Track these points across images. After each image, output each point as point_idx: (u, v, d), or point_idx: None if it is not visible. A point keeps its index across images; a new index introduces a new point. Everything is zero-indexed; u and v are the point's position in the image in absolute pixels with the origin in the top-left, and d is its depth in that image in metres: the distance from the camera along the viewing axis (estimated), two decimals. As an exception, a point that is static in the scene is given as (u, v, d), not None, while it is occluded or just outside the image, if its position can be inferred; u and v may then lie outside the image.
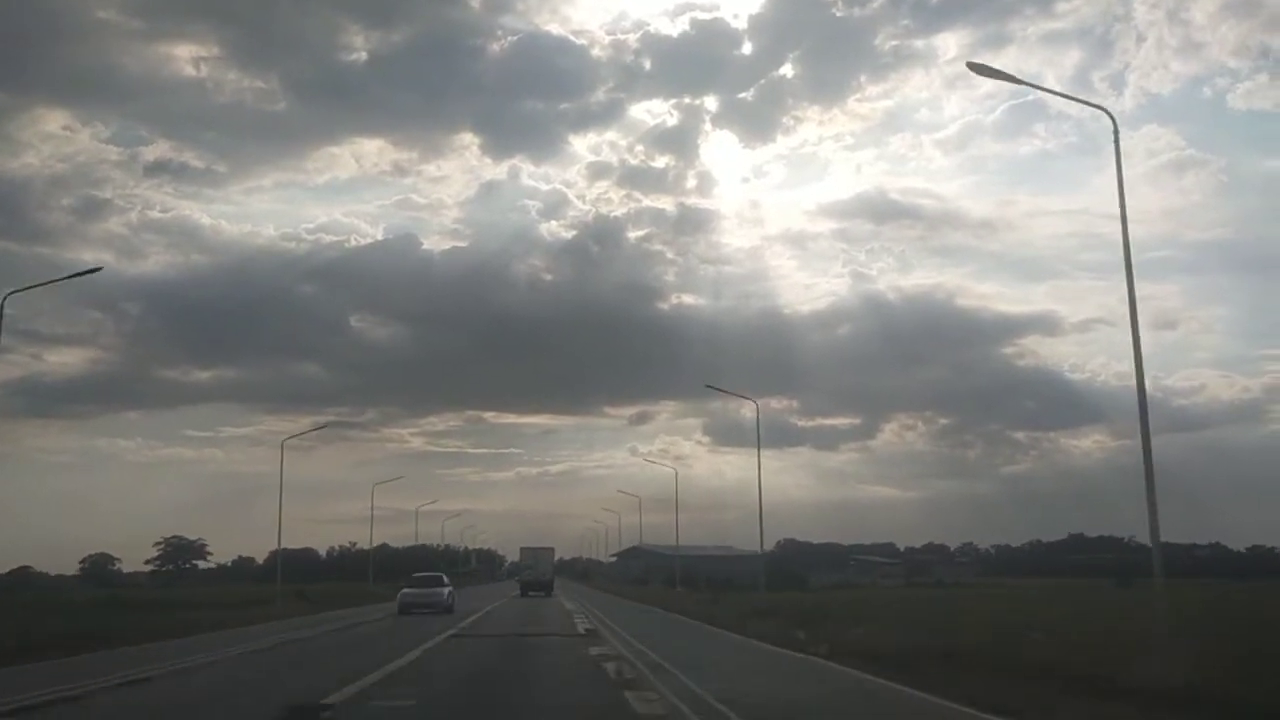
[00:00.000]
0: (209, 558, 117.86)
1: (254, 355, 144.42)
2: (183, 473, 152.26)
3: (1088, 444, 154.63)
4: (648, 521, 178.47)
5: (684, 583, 67.16)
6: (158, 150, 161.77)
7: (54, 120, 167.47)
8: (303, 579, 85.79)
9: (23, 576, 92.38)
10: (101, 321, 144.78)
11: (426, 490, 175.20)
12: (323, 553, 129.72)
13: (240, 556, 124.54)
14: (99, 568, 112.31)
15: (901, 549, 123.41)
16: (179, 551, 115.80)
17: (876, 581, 63.01)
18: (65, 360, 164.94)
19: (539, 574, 69.40)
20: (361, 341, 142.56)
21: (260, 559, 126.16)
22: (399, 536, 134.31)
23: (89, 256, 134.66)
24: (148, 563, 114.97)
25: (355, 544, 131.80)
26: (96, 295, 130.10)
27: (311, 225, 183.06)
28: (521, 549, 75.83)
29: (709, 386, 52.78)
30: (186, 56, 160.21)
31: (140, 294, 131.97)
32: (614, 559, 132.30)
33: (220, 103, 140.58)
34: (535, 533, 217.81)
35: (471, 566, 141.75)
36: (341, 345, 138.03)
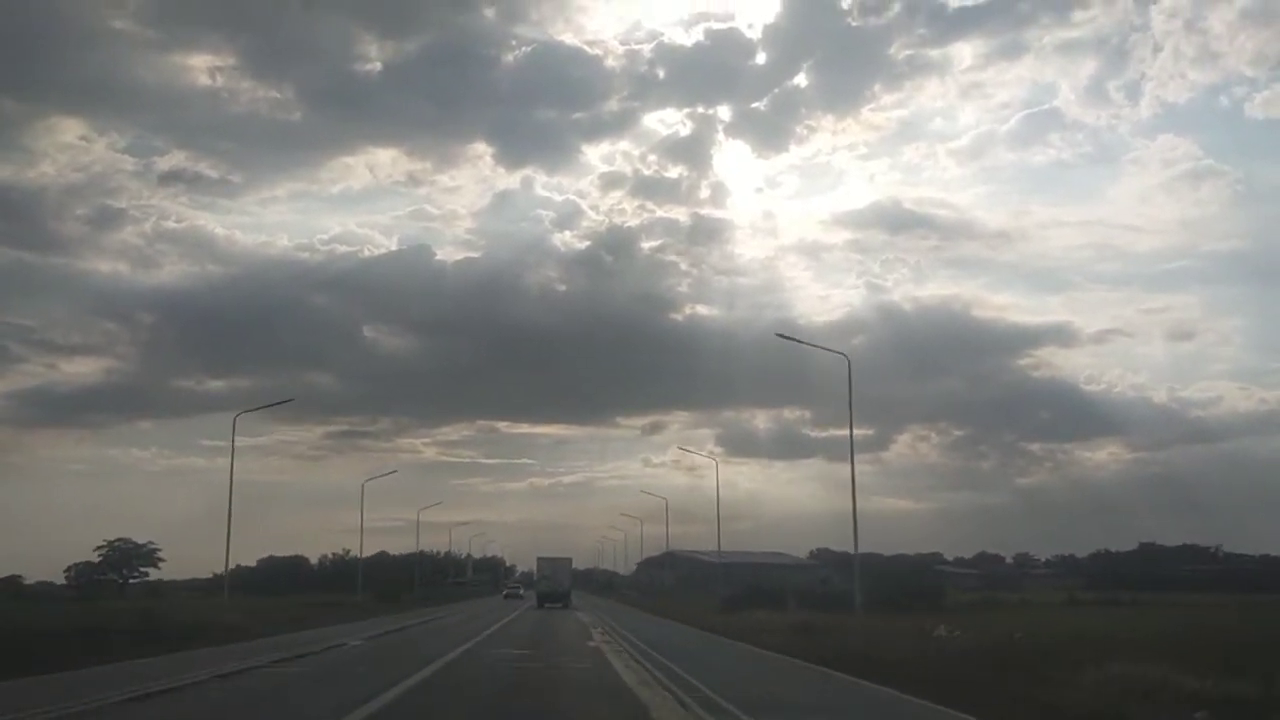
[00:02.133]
0: (160, 565, 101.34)
1: (267, 365, 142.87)
2: (198, 481, 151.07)
3: (1103, 456, 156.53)
4: (654, 533, 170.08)
5: (755, 599, 50.29)
6: (173, 160, 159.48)
7: (70, 130, 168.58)
8: (286, 590, 77.50)
9: (13, 586, 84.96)
10: (116, 331, 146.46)
11: (441, 500, 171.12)
12: (314, 560, 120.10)
13: (239, 565, 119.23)
14: (84, 576, 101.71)
15: (950, 559, 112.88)
16: (123, 557, 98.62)
17: (1026, 596, 49.08)
18: (80, 370, 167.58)
19: (556, 584, 66.80)
20: (375, 351, 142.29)
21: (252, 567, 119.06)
22: (404, 546, 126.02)
23: (104, 266, 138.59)
24: (81, 569, 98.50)
25: (349, 551, 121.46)
26: (111, 305, 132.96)
27: (325, 236, 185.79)
28: (538, 559, 72.52)
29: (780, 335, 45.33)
30: (202, 67, 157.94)
31: (154, 304, 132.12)
32: (638, 566, 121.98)
33: (235, 113, 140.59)
34: (548, 544, 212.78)
35: (466, 578, 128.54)
36: (355, 355, 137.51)
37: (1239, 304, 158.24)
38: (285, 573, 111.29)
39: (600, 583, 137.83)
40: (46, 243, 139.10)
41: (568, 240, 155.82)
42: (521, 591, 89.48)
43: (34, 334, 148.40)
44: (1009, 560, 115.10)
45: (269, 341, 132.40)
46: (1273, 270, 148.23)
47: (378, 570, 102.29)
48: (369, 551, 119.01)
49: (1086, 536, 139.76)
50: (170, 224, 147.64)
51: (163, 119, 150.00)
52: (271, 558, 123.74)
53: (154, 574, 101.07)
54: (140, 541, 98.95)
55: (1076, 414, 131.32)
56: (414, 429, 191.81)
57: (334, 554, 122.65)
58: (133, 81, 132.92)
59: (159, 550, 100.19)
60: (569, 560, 74.43)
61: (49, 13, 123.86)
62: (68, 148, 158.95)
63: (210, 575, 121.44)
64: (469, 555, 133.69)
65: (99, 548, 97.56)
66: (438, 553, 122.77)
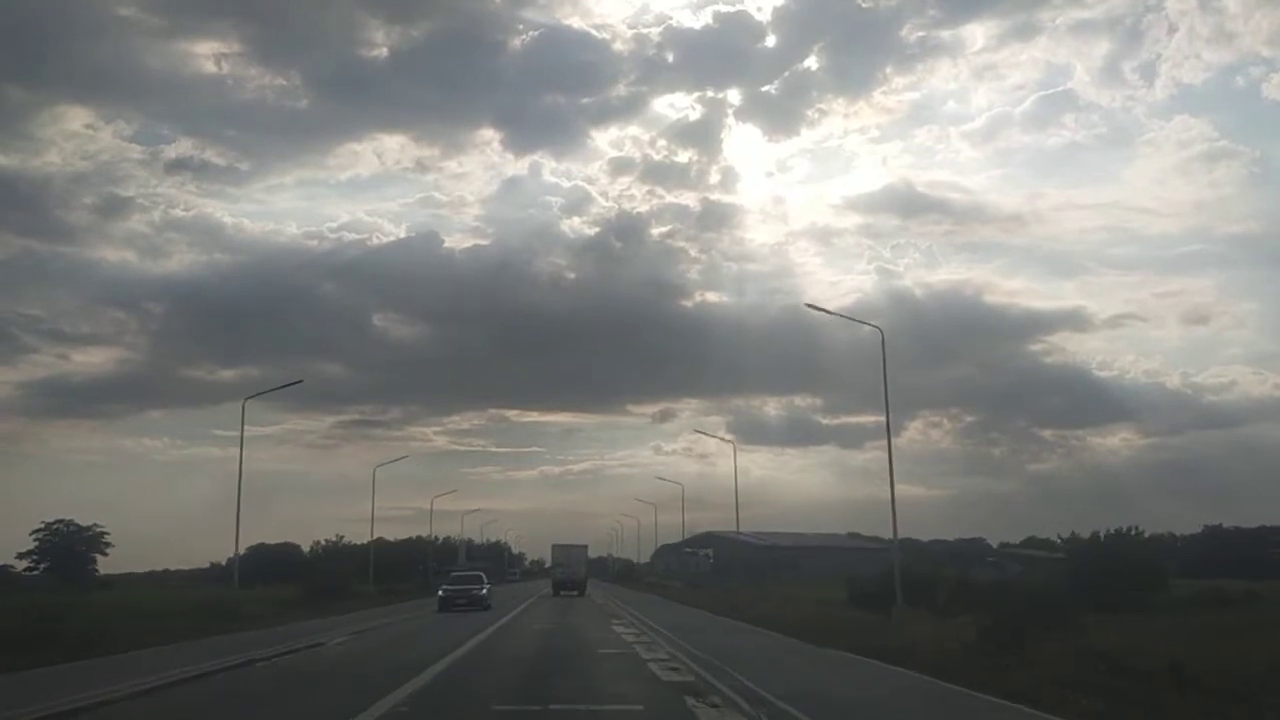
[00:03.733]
0: (108, 552, 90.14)
1: (277, 354, 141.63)
2: (208, 471, 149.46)
3: (1115, 441, 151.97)
4: (667, 521, 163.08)
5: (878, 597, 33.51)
6: (180, 148, 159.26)
7: (76, 118, 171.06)
8: (274, 579, 69.98)
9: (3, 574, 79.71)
10: (126, 321, 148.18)
11: (450, 488, 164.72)
12: (305, 547, 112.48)
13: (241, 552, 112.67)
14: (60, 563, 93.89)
15: (995, 545, 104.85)
16: (65, 543, 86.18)
17: (1251, 587, 35.41)
18: (91, 360, 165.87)
19: (572, 572, 66.07)
20: (384, 340, 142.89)
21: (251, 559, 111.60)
22: (407, 534, 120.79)
23: (112, 255, 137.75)
24: (20, 556, 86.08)
25: (342, 537, 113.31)
26: (120, 294, 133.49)
27: (334, 223, 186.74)
28: (553, 546, 71.93)
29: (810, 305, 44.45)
30: (208, 54, 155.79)
31: (164, 293, 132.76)
32: (657, 551, 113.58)
33: (242, 100, 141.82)
34: (559, 532, 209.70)
35: (460, 567, 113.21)
36: (364, 344, 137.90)
37: (1254, 287, 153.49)
38: (275, 561, 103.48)
39: (618, 570, 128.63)
40: (54, 232, 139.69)
41: (576, 226, 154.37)
42: (483, 590, 45.34)
43: (43, 324, 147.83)
44: (1059, 543, 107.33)
45: (278, 331, 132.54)
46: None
47: (383, 558, 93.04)
48: (368, 539, 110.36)
49: (1103, 521, 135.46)
50: (178, 212, 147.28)
51: (169, 107, 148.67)
52: (262, 545, 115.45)
53: (102, 561, 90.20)
54: (84, 524, 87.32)
55: (1089, 400, 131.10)
56: (424, 417, 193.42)
57: (326, 540, 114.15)
58: (139, 69, 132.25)
59: (106, 534, 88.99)
60: (584, 548, 72.86)
61: (54, 1, 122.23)
62: (74, 136, 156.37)
63: (208, 564, 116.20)
64: (466, 540, 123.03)
65: (35, 531, 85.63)
66: (435, 538, 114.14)
